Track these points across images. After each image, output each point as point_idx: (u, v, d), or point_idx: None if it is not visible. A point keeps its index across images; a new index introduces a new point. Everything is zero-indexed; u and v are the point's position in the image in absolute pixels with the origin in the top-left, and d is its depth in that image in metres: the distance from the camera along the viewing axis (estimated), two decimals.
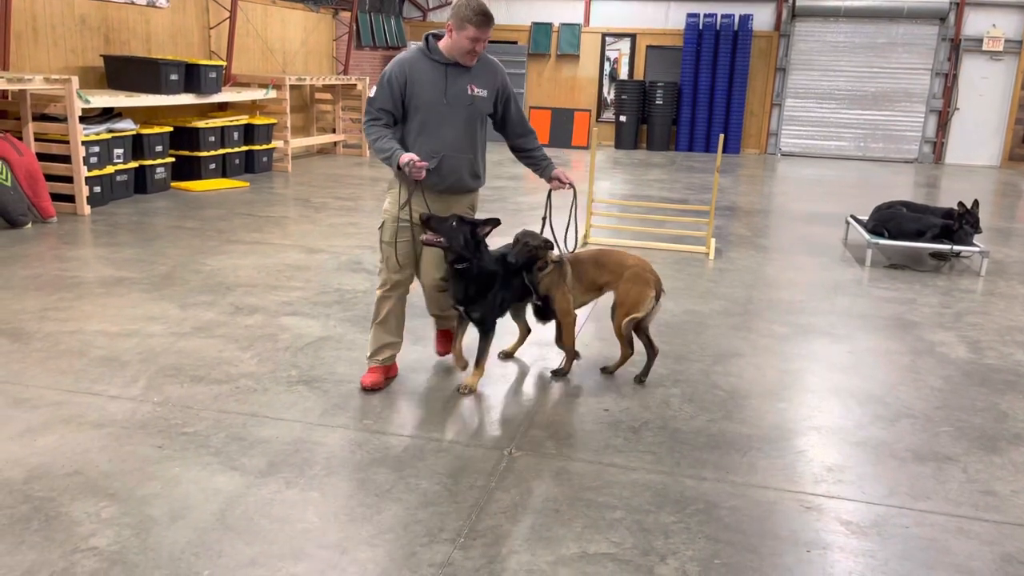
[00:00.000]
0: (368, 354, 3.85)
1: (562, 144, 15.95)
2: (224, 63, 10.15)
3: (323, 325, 4.70)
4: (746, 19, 15.13)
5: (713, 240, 7.19)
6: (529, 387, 3.95)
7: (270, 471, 3.01)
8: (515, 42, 16.33)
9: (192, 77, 9.11)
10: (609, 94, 16.46)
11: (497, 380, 4.00)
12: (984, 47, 14.70)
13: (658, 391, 3.94)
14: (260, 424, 3.40)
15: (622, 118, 15.79)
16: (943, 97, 15.14)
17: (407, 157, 3.40)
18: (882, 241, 6.81)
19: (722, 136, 6.71)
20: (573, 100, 16.55)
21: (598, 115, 16.58)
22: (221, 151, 10.01)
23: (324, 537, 2.63)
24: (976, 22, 14.72)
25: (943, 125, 15.28)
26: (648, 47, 16.10)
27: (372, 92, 3.60)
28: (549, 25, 16.22)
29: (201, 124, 9.64)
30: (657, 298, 3.98)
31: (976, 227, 6.80)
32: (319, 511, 2.77)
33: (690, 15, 15.36)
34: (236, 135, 10.28)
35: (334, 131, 13.25)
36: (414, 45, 3.70)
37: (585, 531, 2.71)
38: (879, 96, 15.43)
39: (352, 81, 12.89)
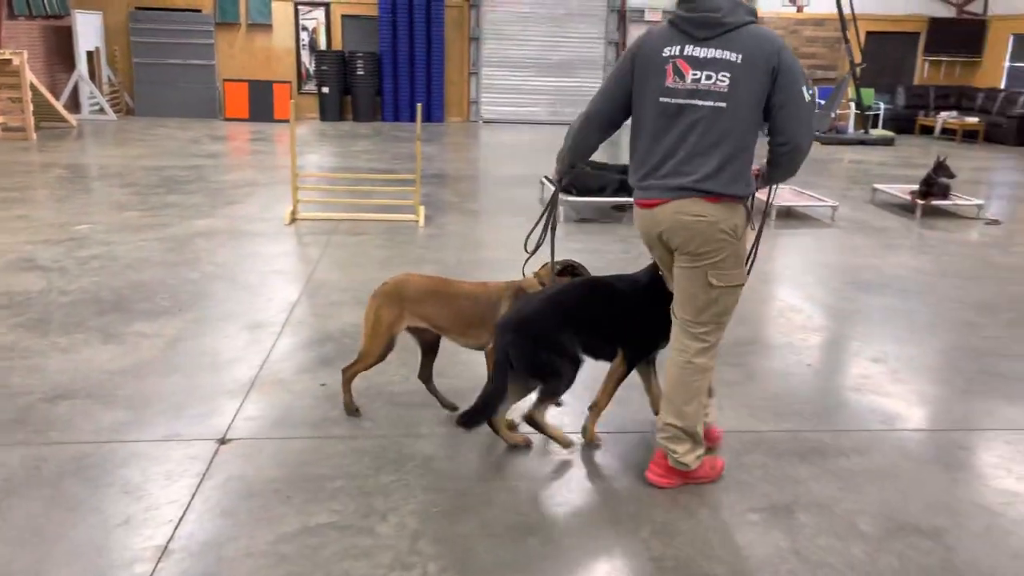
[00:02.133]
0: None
1: (264, 118, 15.26)
2: None
3: None
4: None
5: (422, 208, 7.37)
6: (243, 372, 3.81)
7: None
8: (199, 10, 15.26)
9: None
10: (311, 65, 16.02)
11: (206, 368, 3.81)
12: (646, 17, 16.43)
13: None
14: None
15: (324, 89, 15.48)
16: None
17: None
18: (570, 198, 7.44)
19: (419, 105, 6.87)
20: (271, 71, 15.88)
21: (299, 87, 16.09)
22: None
23: (13, 564, 2.36)
24: None
25: None
26: (344, 16, 15.88)
27: None
28: None
29: None
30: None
31: None
32: (3, 537, 2.48)
33: None
34: None
35: None
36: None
37: (306, 505, 2.70)
38: (564, 64, 16.66)
39: (7, 56, 11.25)
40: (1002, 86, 16.37)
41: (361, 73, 15.44)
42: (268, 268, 5.54)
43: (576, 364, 3.00)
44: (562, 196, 7.01)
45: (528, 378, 2.96)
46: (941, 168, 7.93)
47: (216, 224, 6.76)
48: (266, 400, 3.50)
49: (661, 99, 2.71)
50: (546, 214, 3.30)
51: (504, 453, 3.11)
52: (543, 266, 3.38)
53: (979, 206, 8.05)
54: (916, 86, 17.14)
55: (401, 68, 15.67)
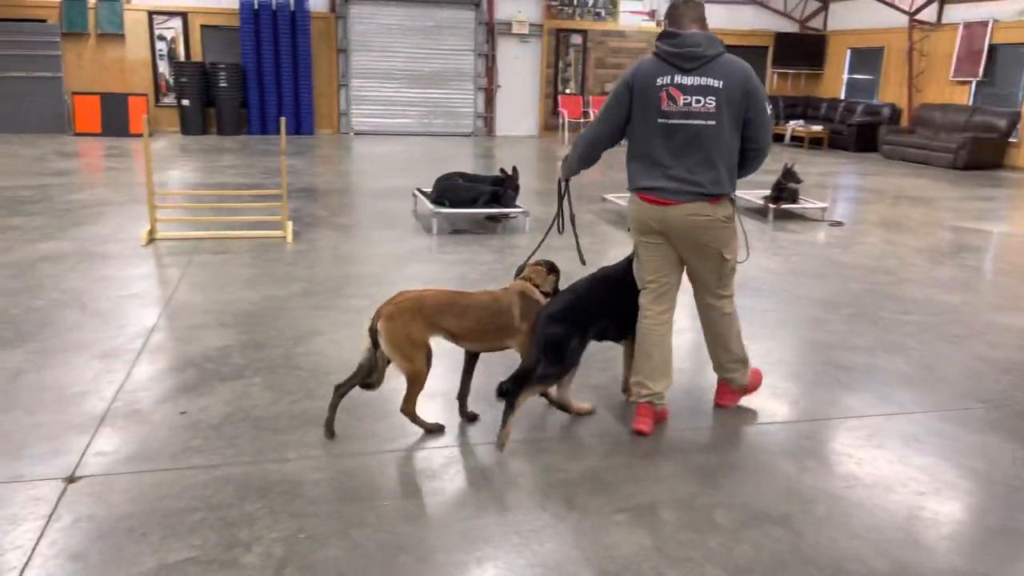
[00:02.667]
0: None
1: (119, 133, 14.50)
2: None
3: None
4: (302, 0, 15.17)
5: (290, 223, 7.20)
6: (93, 405, 3.59)
7: None
8: (44, 20, 14.35)
9: None
10: (170, 77, 15.35)
11: (51, 403, 3.57)
12: (513, 30, 16.72)
13: (238, 383, 3.87)
14: None
15: (185, 102, 14.88)
16: (486, 76, 16.92)
17: None
18: (443, 210, 7.46)
19: (283, 120, 6.71)
20: (125, 84, 15.12)
21: (157, 99, 15.39)
22: None
23: None
24: (505, 7, 16.64)
25: (490, 101, 17.10)
26: (203, 27, 15.32)
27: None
28: (83, 1, 14.52)
29: None
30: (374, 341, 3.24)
31: (516, 190, 7.78)
32: None
33: None
34: None
35: None
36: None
37: (164, 541, 2.58)
38: (434, 75, 16.70)
39: None
40: (842, 96, 17.65)
41: (224, 85, 14.94)
42: (122, 292, 5.26)
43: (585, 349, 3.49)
44: (435, 208, 7.08)
45: (561, 363, 3.35)
46: (789, 174, 8.46)
47: (63, 247, 6.36)
48: (120, 434, 3.32)
49: (659, 120, 3.31)
50: (561, 208, 3.93)
51: (375, 471, 3.07)
52: (528, 266, 3.74)
53: (824, 209, 8.64)
54: (767, 96, 18.19)
55: (267, 80, 15.27)
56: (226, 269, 5.94)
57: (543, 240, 3.99)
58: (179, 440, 3.27)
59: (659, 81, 3.29)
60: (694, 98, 3.25)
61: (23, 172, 10.02)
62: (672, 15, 3.39)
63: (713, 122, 3.26)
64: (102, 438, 3.27)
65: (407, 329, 3.20)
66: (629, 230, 3.64)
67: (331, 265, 6.14)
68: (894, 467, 3.21)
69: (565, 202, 3.89)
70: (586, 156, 3.63)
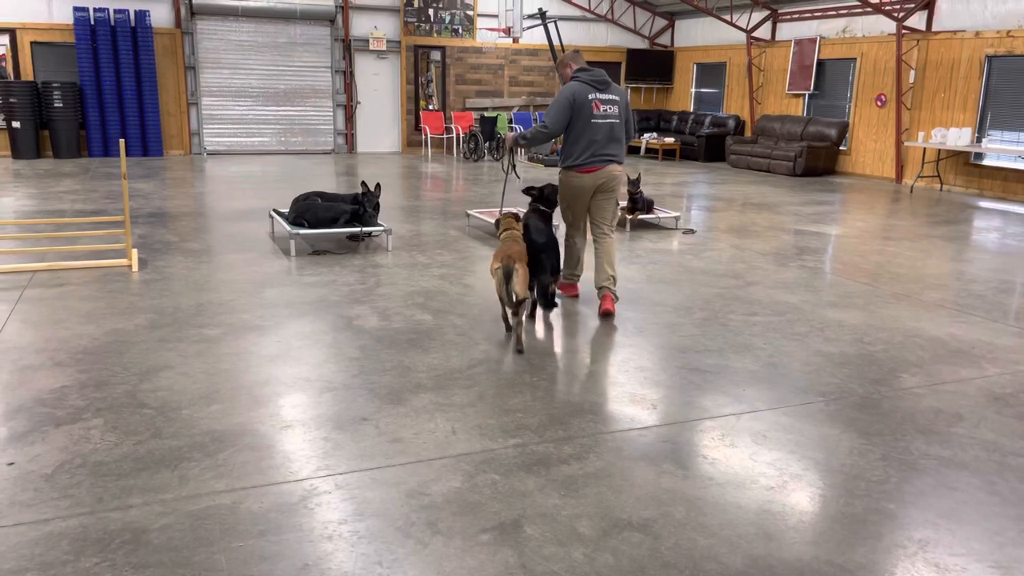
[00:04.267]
0: None
1: None
2: None
3: None
4: (143, 15, 14.47)
5: (135, 251, 6.79)
6: None
7: None
8: None
9: None
10: None
11: None
12: (371, 47, 16.57)
13: (76, 427, 3.59)
14: None
15: (16, 124, 13.81)
16: (345, 92, 16.67)
17: None
18: (302, 231, 7.25)
19: (122, 141, 6.32)
20: None
21: None
22: None
23: None
24: (361, 24, 16.48)
25: (350, 118, 16.85)
26: (33, 43, 14.30)
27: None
28: None
29: None
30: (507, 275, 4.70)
31: (376, 208, 7.67)
32: None
33: (78, 9, 14.08)
34: None
35: None
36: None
37: None
38: (290, 92, 16.29)
39: None
40: (691, 109, 18.57)
41: (59, 105, 14.00)
42: None
43: None
44: (292, 230, 7.00)
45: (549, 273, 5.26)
46: (633, 184, 8.76)
47: None
48: None
49: (592, 120, 5.36)
50: (508, 167, 6.25)
51: (228, 511, 2.91)
52: (504, 219, 5.36)
53: (677, 218, 9.02)
54: None
55: (108, 99, 14.43)
56: (63, 303, 5.52)
57: (503, 195, 6.57)
58: (5, 495, 2.99)
59: (589, 96, 5.34)
60: (607, 107, 5.40)
61: None
62: (576, 59, 5.56)
63: (617, 120, 5.45)
64: None
65: (524, 265, 4.78)
66: (560, 195, 5.66)
67: (181, 294, 5.83)
68: (745, 464, 3.36)
69: (511, 159, 6.22)
70: (540, 144, 5.62)
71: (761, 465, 3.36)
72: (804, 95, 15.55)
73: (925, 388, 4.29)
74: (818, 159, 14.51)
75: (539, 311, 5.50)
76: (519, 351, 4.69)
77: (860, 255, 7.72)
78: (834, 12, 14.78)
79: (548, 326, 5.28)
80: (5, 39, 14.11)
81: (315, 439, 3.52)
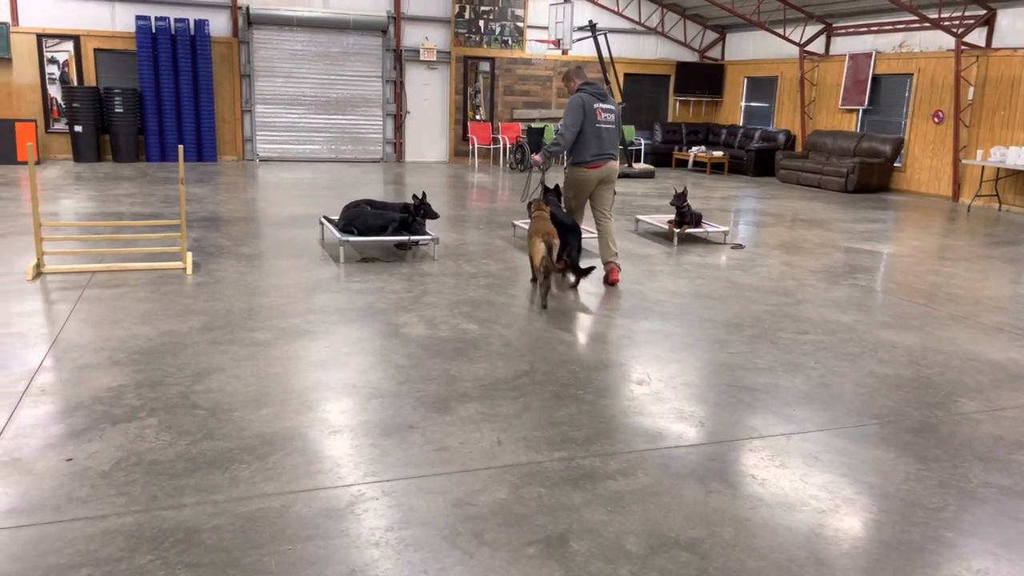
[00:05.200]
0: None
1: (5, 160, 13.78)
2: None
3: None
4: (202, 24, 14.83)
5: (190, 254, 6.95)
6: None
7: None
8: None
9: None
10: (62, 102, 14.68)
11: None
12: (421, 57, 16.74)
13: (132, 425, 3.67)
14: None
15: (78, 128, 14.25)
16: (395, 102, 16.87)
17: None
18: (352, 238, 7.34)
19: (180, 147, 6.48)
20: (12, 109, 14.39)
21: (47, 125, 14.69)
22: None
23: None
24: (412, 34, 16.68)
25: (399, 127, 17.04)
26: (96, 50, 14.75)
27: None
28: None
29: None
30: (549, 249, 5.90)
31: (429, 215, 7.73)
32: None
33: (140, 18, 14.49)
34: None
35: None
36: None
37: None
38: (341, 101, 16.54)
39: None
40: (741, 123, 18.39)
41: (120, 111, 14.40)
42: (4, 331, 4.94)
43: None
44: (342, 236, 7.12)
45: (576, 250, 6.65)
46: (679, 197, 8.68)
47: None
48: None
49: (596, 124, 6.54)
50: (531, 179, 8.03)
51: (277, 514, 2.95)
52: (535, 203, 6.69)
53: (726, 232, 8.92)
54: (670, 123, 18.80)
55: (166, 105, 14.82)
56: (121, 303, 5.66)
57: (526, 188, 8.33)
58: (64, 490, 3.07)
59: (594, 105, 6.56)
60: (606, 114, 6.61)
61: None
62: (580, 75, 6.77)
63: (613, 125, 6.68)
64: None
65: (558, 240, 6.11)
66: (566, 185, 6.86)
67: (234, 297, 5.94)
68: (796, 486, 3.30)
69: (537, 175, 7.27)
70: (564, 147, 6.57)
71: (812, 487, 3.29)
72: (858, 110, 15.29)
73: (984, 414, 4.16)
74: (871, 175, 14.24)
75: (579, 282, 6.70)
76: (544, 307, 5.90)
77: (915, 275, 7.54)
78: (891, 27, 14.52)
79: (595, 339, 5.25)
80: (69, 46, 14.58)
81: (362, 445, 3.55)
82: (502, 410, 3.98)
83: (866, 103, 14.98)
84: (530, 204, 6.80)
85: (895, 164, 14.45)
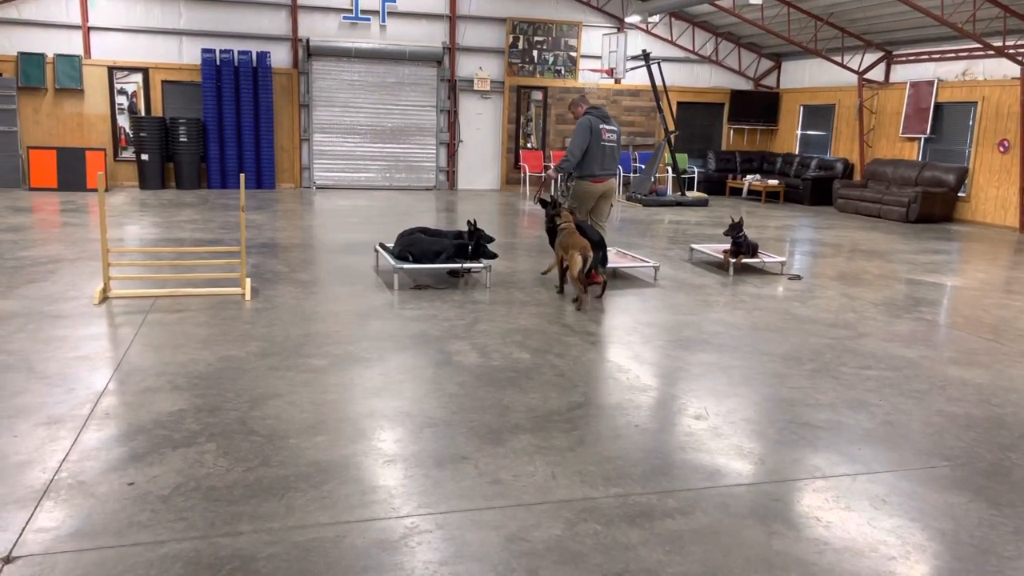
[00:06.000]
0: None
1: (75, 187, 14.32)
2: None
3: None
4: (263, 56, 15.26)
5: (248, 280, 7.08)
6: (35, 476, 3.42)
7: None
8: (0, 74, 14.19)
9: None
10: (130, 131, 15.22)
11: None
12: (475, 87, 16.95)
13: (191, 450, 3.72)
14: None
15: (144, 156, 14.74)
16: (448, 131, 17.08)
17: None
18: (406, 265, 7.40)
19: (242, 175, 6.64)
20: (83, 138, 14.96)
21: (115, 154, 15.23)
22: None
23: None
24: (466, 65, 16.91)
25: (452, 156, 17.23)
26: (164, 82, 15.28)
27: None
28: (41, 56, 14.42)
29: None
30: (584, 261, 6.67)
31: (487, 241, 7.77)
32: None
33: (205, 51, 14.98)
34: None
35: None
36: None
37: None
38: (396, 130, 16.81)
39: None
40: (796, 151, 18.13)
41: (184, 139, 14.86)
42: (72, 354, 5.08)
43: None
44: (397, 263, 7.21)
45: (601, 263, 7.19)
46: (735, 227, 8.56)
47: (11, 306, 6.16)
48: (63, 507, 3.15)
49: (601, 143, 7.39)
50: (560, 188, 7.91)
51: (332, 544, 2.95)
52: (564, 209, 7.28)
53: (782, 263, 8.76)
54: (724, 151, 18.64)
55: (228, 134, 15.24)
56: (182, 328, 5.79)
57: (544, 198, 7.77)
58: (125, 514, 3.12)
59: (600, 126, 7.43)
60: (609, 134, 7.49)
61: None
62: (585, 101, 7.71)
63: (616, 145, 7.57)
64: (44, 513, 3.10)
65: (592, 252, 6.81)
66: (572, 196, 7.60)
67: (290, 323, 6.03)
68: (863, 530, 3.17)
69: (557, 184, 7.98)
70: (573, 163, 7.41)
71: (881, 532, 3.16)
72: (919, 139, 14.96)
73: None
74: (934, 205, 13.87)
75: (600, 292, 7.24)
76: (579, 309, 6.76)
77: (982, 308, 7.28)
78: (953, 55, 14.21)
79: (650, 371, 5.18)
80: (138, 78, 15.14)
81: (416, 476, 3.53)
82: (556, 443, 3.93)
83: (928, 132, 14.65)
84: (544, 204, 7.56)
85: (959, 194, 14.06)
